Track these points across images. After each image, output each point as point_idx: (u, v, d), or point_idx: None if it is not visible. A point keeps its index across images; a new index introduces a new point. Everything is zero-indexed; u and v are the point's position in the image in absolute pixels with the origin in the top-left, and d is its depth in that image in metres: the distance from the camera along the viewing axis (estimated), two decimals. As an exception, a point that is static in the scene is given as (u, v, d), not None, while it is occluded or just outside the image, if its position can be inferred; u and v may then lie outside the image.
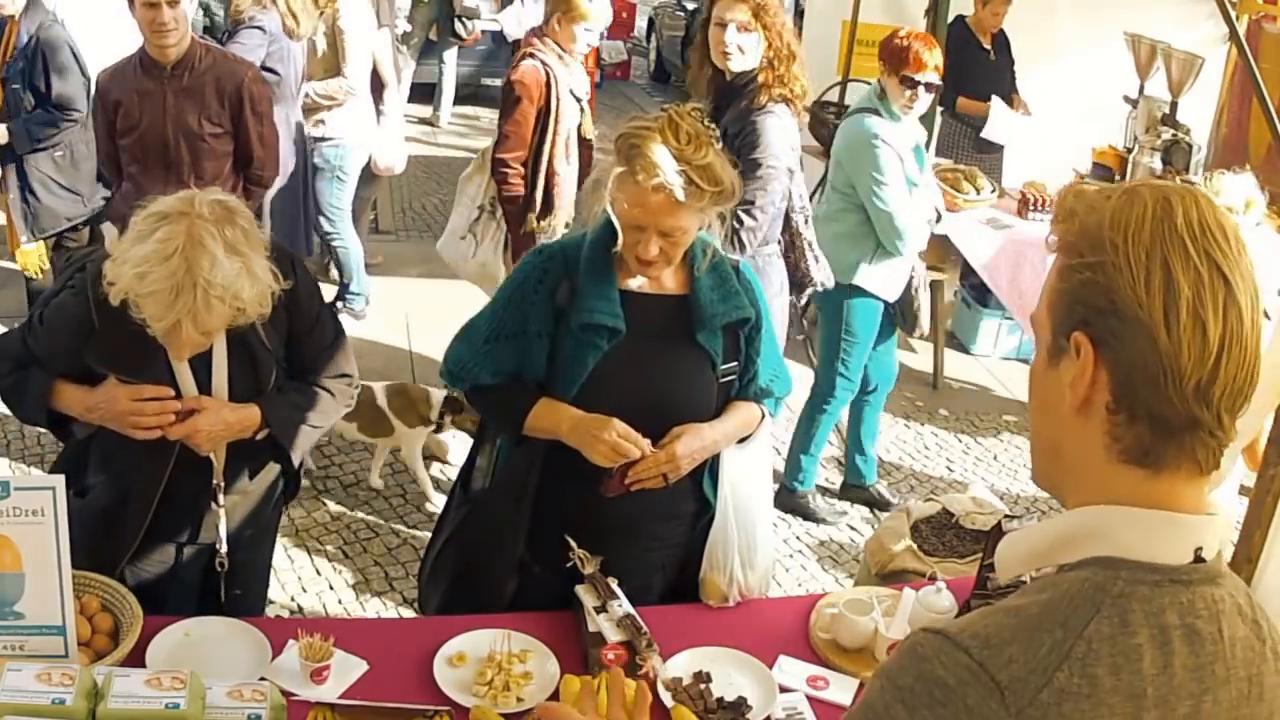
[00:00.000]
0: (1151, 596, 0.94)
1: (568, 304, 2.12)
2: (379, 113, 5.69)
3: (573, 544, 2.14)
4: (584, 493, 2.17)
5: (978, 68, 5.98)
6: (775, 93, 3.35)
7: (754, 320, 2.25)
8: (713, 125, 2.06)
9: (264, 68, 4.51)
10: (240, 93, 3.79)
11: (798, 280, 3.67)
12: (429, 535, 3.91)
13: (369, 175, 5.86)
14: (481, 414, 2.38)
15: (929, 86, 3.79)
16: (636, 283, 2.16)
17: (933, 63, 3.77)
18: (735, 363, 2.24)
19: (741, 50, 3.35)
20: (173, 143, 3.70)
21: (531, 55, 4.12)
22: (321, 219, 5.36)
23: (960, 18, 5.84)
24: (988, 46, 6.07)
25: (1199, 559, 0.96)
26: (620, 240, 2.09)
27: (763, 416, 2.31)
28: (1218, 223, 0.96)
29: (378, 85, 5.68)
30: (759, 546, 2.32)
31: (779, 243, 3.58)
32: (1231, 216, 1.00)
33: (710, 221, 2.12)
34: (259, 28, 4.46)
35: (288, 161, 4.74)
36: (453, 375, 2.28)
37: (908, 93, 3.78)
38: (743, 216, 3.28)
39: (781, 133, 3.37)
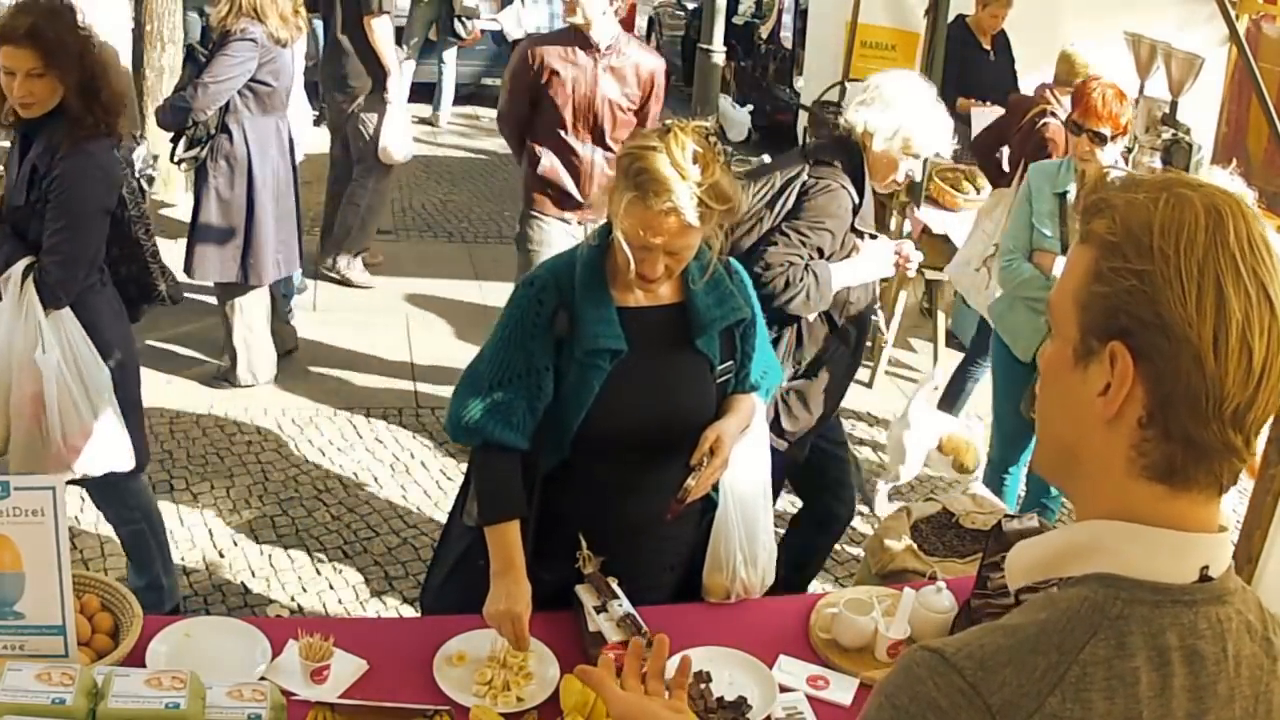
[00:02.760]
0: (1151, 618, 0.92)
1: (567, 332, 2.10)
2: (384, 101, 5.71)
3: (584, 543, 2.14)
4: (590, 499, 2.19)
5: (978, 68, 5.98)
6: (82, 133, 2.90)
7: (749, 319, 2.25)
8: (715, 139, 2.04)
9: (256, 79, 4.50)
10: (652, 80, 4.27)
11: (143, 294, 3.29)
12: (429, 535, 3.94)
13: (381, 169, 5.90)
14: (473, 478, 2.25)
15: (1095, 137, 3.66)
16: (633, 298, 2.15)
17: (1109, 113, 3.63)
18: (731, 362, 2.24)
19: (33, 98, 2.89)
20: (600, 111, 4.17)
21: (1053, 113, 4.71)
22: None
23: (960, 17, 5.84)
24: (987, 47, 6.07)
25: (1205, 577, 0.95)
26: (629, 258, 2.05)
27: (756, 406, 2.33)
28: (1263, 238, 0.92)
29: (380, 73, 5.68)
30: (760, 542, 2.33)
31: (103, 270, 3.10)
32: None
33: (714, 234, 2.11)
34: (251, 39, 4.43)
35: (280, 171, 4.74)
36: (465, 431, 2.15)
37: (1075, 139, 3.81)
38: (49, 265, 2.88)
39: (98, 169, 2.94)
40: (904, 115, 2.95)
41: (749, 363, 2.29)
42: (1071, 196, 3.66)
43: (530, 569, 2.19)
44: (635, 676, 1.38)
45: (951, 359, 5.83)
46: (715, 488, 2.26)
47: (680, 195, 1.95)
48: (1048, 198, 3.70)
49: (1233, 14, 3.51)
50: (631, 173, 1.98)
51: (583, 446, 2.15)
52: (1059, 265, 3.53)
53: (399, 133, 5.85)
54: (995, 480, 4.03)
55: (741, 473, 2.28)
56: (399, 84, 5.90)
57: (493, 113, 10.20)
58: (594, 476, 2.18)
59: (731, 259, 2.31)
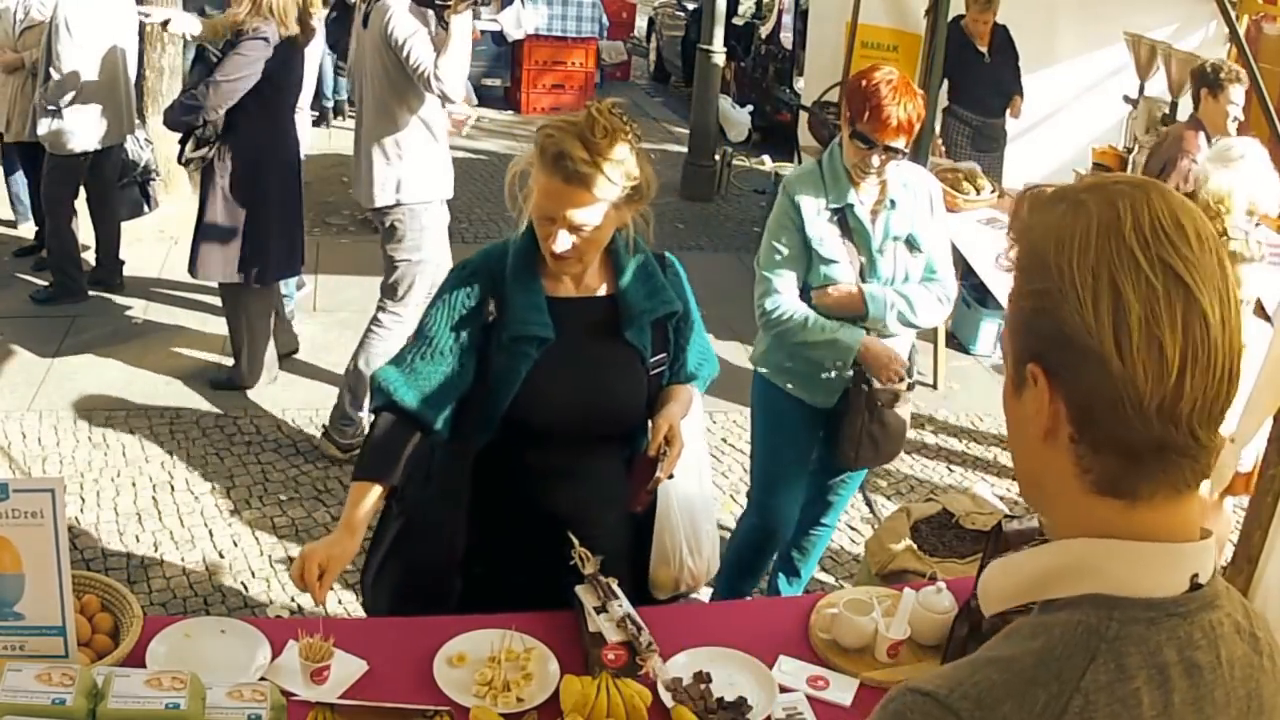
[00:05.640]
0: (1147, 636, 0.90)
1: (497, 317, 2.13)
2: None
3: (575, 541, 2.14)
4: (518, 489, 2.21)
5: (973, 70, 5.98)
6: None
7: (681, 312, 2.29)
8: (629, 118, 2.07)
9: (266, 79, 4.50)
10: None
11: None
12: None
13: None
14: (367, 435, 2.25)
15: (889, 151, 2.87)
16: (564, 288, 2.18)
17: (908, 122, 2.82)
18: (664, 354, 2.28)
19: None
20: None
21: None
22: None
23: (957, 19, 5.85)
24: (983, 49, 6.07)
25: (1196, 585, 0.93)
26: (537, 234, 2.11)
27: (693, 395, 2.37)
28: (1174, 221, 0.89)
29: None
30: (704, 530, 2.36)
31: None
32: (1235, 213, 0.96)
33: (630, 220, 2.13)
34: (263, 38, 4.42)
35: (286, 172, 4.74)
36: (375, 391, 2.19)
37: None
38: None
39: None
40: (1252, 179, 3.09)
41: (683, 355, 2.33)
42: (862, 208, 2.97)
43: (462, 562, 2.23)
44: None
45: (953, 359, 5.84)
46: None
47: (577, 162, 1.99)
48: (819, 215, 2.95)
49: (1233, 14, 3.51)
50: (540, 140, 2.04)
51: (511, 432, 2.18)
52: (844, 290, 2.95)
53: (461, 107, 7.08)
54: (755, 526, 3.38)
55: (679, 464, 2.28)
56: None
57: (493, 113, 10.24)
58: (523, 462, 2.21)
59: (668, 254, 2.33)
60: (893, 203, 2.97)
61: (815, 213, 2.94)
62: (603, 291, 2.22)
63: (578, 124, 2.02)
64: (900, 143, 2.86)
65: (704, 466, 2.43)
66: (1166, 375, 0.87)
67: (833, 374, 3.05)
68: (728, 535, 4.11)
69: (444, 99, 4.25)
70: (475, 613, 2.16)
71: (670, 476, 2.23)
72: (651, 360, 2.24)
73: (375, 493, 2.11)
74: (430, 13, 4.24)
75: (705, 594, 3.69)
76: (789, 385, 3.13)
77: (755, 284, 3.02)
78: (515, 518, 2.21)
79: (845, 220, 2.96)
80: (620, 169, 2.03)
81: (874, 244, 2.97)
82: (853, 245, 2.97)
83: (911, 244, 3.00)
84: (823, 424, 3.16)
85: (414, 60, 4.10)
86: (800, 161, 6.82)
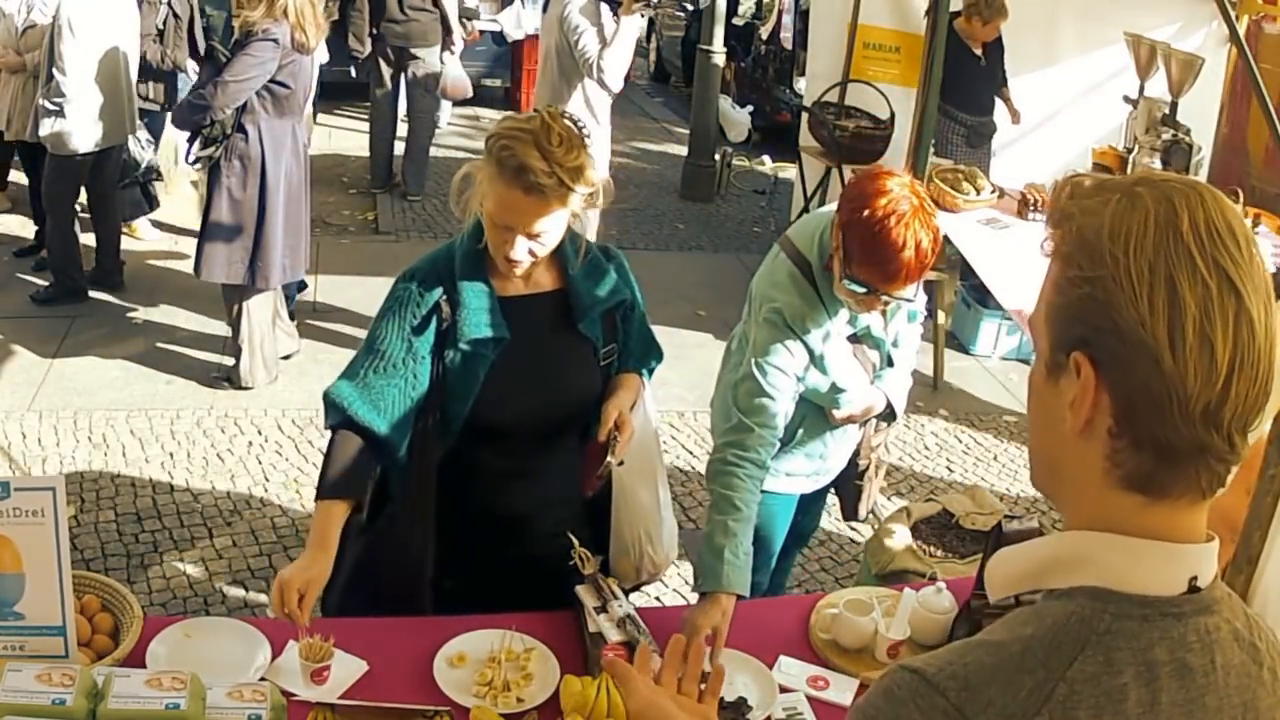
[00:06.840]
0: (1140, 632, 0.90)
1: (450, 322, 2.12)
2: (450, 51, 7.62)
3: (575, 541, 2.14)
4: (477, 494, 2.20)
5: (967, 71, 5.98)
6: None
7: (629, 302, 2.31)
8: (583, 126, 2.07)
9: (275, 81, 4.50)
10: None
11: None
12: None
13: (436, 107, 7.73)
14: (327, 454, 2.16)
15: (892, 300, 2.39)
16: (513, 287, 2.18)
17: (920, 272, 2.29)
18: (614, 344, 2.29)
19: None
20: None
21: None
22: None
23: (953, 15, 5.84)
24: (978, 52, 6.07)
25: (1194, 588, 0.93)
26: (487, 240, 2.10)
27: (643, 384, 2.39)
28: (1227, 225, 0.89)
29: (447, 31, 7.49)
30: (661, 519, 2.37)
31: None
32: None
33: (582, 219, 2.14)
34: (273, 40, 4.40)
35: (292, 174, 4.74)
36: (331, 409, 2.13)
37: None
38: None
39: None
40: None
41: (630, 343, 2.35)
42: (875, 327, 2.57)
43: (432, 579, 2.21)
44: (673, 674, 1.37)
45: (953, 359, 5.85)
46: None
47: (541, 175, 1.98)
48: (831, 344, 2.49)
49: (1233, 14, 3.52)
50: (496, 150, 2.02)
51: (472, 434, 2.17)
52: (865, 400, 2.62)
53: (460, 73, 7.77)
54: None
55: (632, 454, 2.28)
56: (460, 39, 7.80)
57: (493, 113, 10.23)
58: (481, 466, 2.20)
59: (611, 246, 2.33)
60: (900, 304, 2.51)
61: (825, 341, 2.47)
62: (552, 286, 2.22)
63: (533, 131, 1.99)
64: (910, 291, 2.33)
65: (655, 454, 2.43)
66: (1215, 378, 0.87)
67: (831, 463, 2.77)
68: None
69: (603, 86, 4.96)
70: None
71: (621, 463, 2.24)
72: (603, 350, 2.26)
73: (343, 510, 2.08)
74: (604, 7, 4.95)
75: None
76: (783, 483, 2.71)
77: (719, 415, 2.60)
78: (478, 524, 2.21)
79: (858, 337, 2.56)
80: (580, 177, 2.02)
81: (887, 343, 2.62)
82: (866, 356, 2.60)
83: (910, 316, 2.68)
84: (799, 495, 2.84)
85: (581, 47, 4.85)
86: (800, 163, 6.81)
